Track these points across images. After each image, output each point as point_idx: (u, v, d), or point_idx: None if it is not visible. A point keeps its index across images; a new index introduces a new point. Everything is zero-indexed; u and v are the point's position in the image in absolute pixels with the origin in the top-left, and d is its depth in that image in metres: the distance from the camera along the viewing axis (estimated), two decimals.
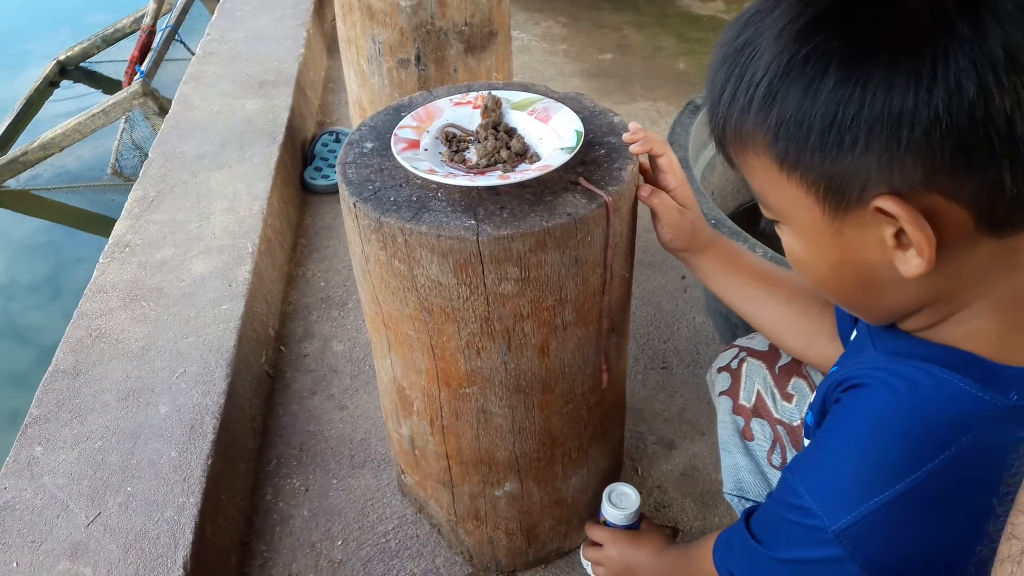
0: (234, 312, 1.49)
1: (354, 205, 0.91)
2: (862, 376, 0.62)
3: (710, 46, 2.90)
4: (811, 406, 0.74)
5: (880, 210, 0.54)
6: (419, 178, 0.93)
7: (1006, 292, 0.57)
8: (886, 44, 0.50)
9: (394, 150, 0.94)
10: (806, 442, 0.80)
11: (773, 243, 1.04)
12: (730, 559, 0.75)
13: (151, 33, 3.81)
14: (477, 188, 0.91)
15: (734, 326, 1.53)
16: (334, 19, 1.86)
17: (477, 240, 0.85)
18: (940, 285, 0.58)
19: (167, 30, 3.89)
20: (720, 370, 1.05)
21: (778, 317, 0.96)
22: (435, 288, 0.90)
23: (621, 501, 1.10)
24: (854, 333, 0.83)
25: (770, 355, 1.02)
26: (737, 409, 1.01)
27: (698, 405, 1.49)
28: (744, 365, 1.02)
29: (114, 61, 4.37)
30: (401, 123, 1.00)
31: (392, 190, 0.93)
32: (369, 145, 1.02)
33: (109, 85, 4.21)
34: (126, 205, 1.81)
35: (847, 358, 0.73)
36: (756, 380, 1.01)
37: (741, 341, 1.07)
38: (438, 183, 0.91)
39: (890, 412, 0.58)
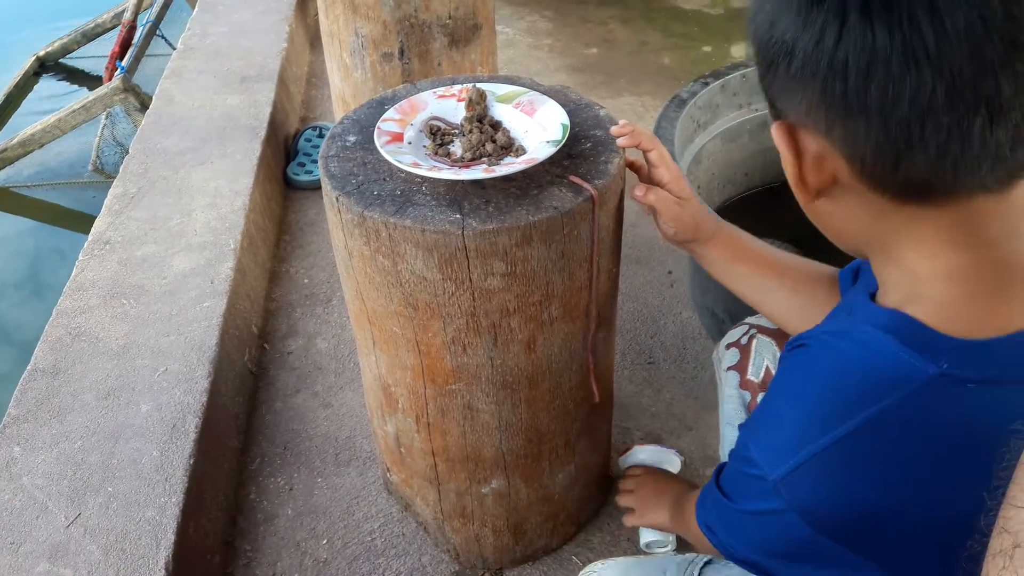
0: (216, 309, 1.47)
1: (337, 199, 0.90)
2: (806, 336, 0.64)
3: (695, 41, 2.92)
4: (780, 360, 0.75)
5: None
6: (403, 172, 0.92)
7: (962, 263, 0.57)
8: None
9: (377, 143, 0.92)
10: None
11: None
12: (706, 514, 0.78)
13: (131, 28, 3.76)
14: (462, 182, 0.90)
15: (720, 321, 1.53)
16: (317, 13, 1.84)
17: (462, 234, 0.84)
18: (862, 229, 0.61)
19: (148, 25, 3.84)
20: (729, 346, 1.06)
21: (786, 304, 0.96)
22: (420, 283, 0.89)
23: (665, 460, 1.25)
24: None
25: (780, 332, 1.02)
26: (744, 384, 1.01)
27: (685, 400, 1.49)
28: (754, 341, 1.03)
29: (94, 57, 4.31)
30: (384, 116, 0.98)
31: (376, 184, 0.91)
32: (352, 138, 1.00)
33: (89, 81, 4.16)
34: (106, 202, 1.78)
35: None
36: (766, 356, 1.01)
37: (751, 319, 1.07)
38: (422, 176, 0.90)
39: (824, 367, 0.60)
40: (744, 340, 1.04)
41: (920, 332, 0.56)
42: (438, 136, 0.98)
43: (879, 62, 0.50)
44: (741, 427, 0.70)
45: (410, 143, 0.96)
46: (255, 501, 1.33)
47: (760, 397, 1.00)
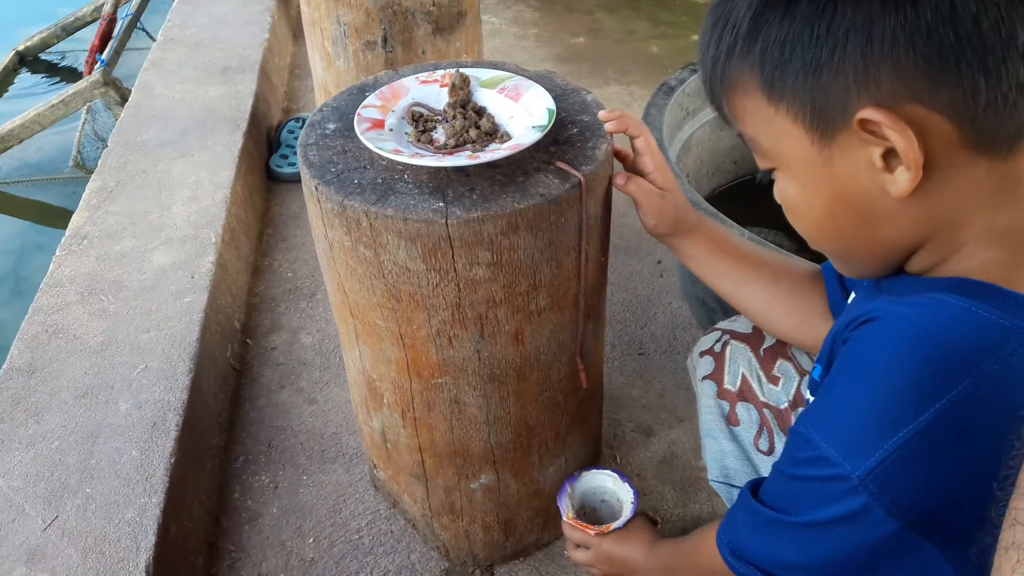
0: (197, 304, 1.44)
1: (316, 188, 0.87)
2: (873, 310, 0.58)
3: (683, 29, 2.89)
4: (818, 358, 0.71)
5: (863, 125, 0.54)
6: (384, 159, 0.89)
7: (1010, 224, 0.55)
8: None
9: (357, 130, 0.89)
10: (810, 401, 0.77)
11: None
12: (738, 538, 0.70)
13: (112, 21, 3.70)
14: (445, 169, 0.87)
15: (711, 311, 1.51)
16: (299, 3, 1.81)
17: (446, 223, 0.81)
18: (935, 213, 0.57)
19: (128, 18, 3.78)
20: (702, 354, 1.03)
21: (767, 298, 0.94)
22: (403, 274, 0.86)
23: (607, 507, 1.07)
24: (852, 296, 0.80)
25: (754, 337, 0.99)
26: (722, 393, 0.99)
27: (676, 391, 1.47)
28: (728, 348, 1.00)
29: (75, 51, 4.25)
30: (365, 102, 0.95)
31: (356, 172, 0.88)
32: (331, 126, 0.97)
33: (70, 75, 4.09)
34: (84, 196, 1.74)
35: (850, 309, 0.71)
36: (741, 363, 0.98)
37: (723, 324, 1.04)
38: (404, 164, 0.87)
39: (906, 341, 0.54)
40: (718, 348, 1.01)
41: (997, 292, 0.54)
42: (420, 123, 0.95)
43: (989, 3, 0.49)
44: (793, 427, 0.63)
45: (391, 130, 0.93)
46: (239, 500, 1.30)
47: (739, 407, 0.97)
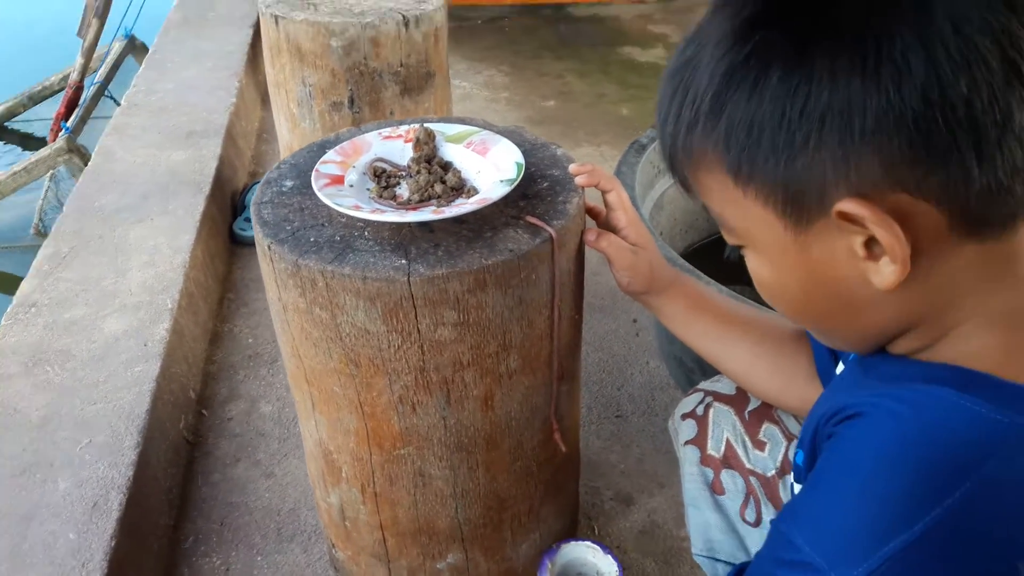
0: (148, 374, 1.36)
1: (269, 248, 0.82)
2: (858, 404, 0.54)
3: (653, 92, 2.89)
4: (800, 443, 0.66)
5: (843, 216, 0.49)
6: (343, 216, 0.84)
7: (1003, 306, 0.51)
8: (828, 30, 0.47)
9: (315, 186, 0.84)
10: (795, 487, 0.71)
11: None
12: None
13: (78, 88, 3.68)
14: (408, 224, 0.83)
15: (689, 371, 1.46)
16: None
17: (408, 281, 0.76)
18: (923, 300, 0.53)
19: (96, 85, 3.76)
20: (684, 416, 0.97)
21: (750, 358, 0.89)
22: (362, 337, 0.80)
23: None
24: (840, 366, 0.76)
25: (738, 399, 0.94)
26: (705, 460, 0.93)
27: (655, 456, 1.40)
28: (711, 411, 0.94)
29: (42, 120, 4.21)
30: (323, 158, 0.91)
31: (313, 230, 0.83)
32: (289, 183, 0.92)
33: (36, 144, 4.04)
34: (34, 263, 1.66)
35: (835, 391, 0.66)
36: (725, 427, 0.92)
37: (705, 384, 0.99)
38: (364, 220, 0.83)
39: (896, 441, 0.50)
40: (700, 410, 0.95)
41: (992, 384, 0.49)
42: (383, 179, 0.91)
43: (982, 82, 0.44)
44: (776, 522, 0.58)
45: (352, 186, 0.89)
46: None
47: (724, 474, 0.91)
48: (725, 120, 0.51)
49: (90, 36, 3.62)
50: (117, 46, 4.05)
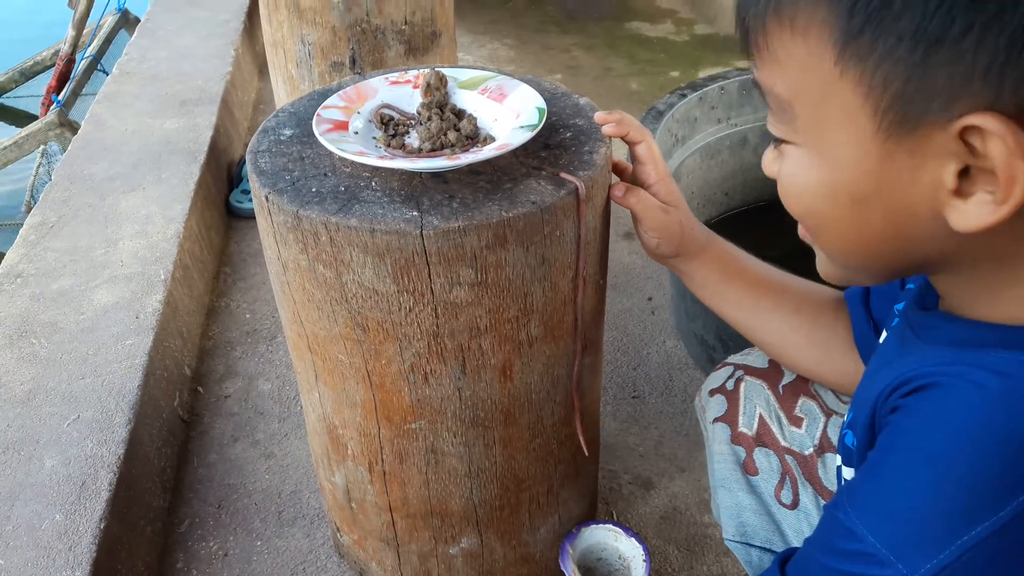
0: (140, 348, 1.28)
1: (267, 199, 0.74)
2: (932, 373, 0.47)
3: (661, 67, 2.83)
4: (851, 423, 0.59)
5: (968, 132, 0.40)
6: (348, 164, 0.76)
7: None
8: None
9: (316, 131, 0.76)
10: (844, 471, 0.64)
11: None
12: None
13: (69, 62, 3.58)
14: (420, 173, 0.75)
15: (710, 348, 1.39)
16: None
17: (421, 234, 0.68)
18: (996, 242, 0.45)
19: (89, 59, 3.66)
20: (712, 392, 0.89)
21: (786, 329, 0.81)
22: (370, 298, 0.73)
23: (605, 565, 0.92)
24: (883, 335, 0.69)
25: (771, 373, 0.87)
26: (736, 438, 0.85)
27: (675, 438, 1.33)
28: (742, 385, 0.87)
29: (33, 96, 4.12)
30: (325, 103, 0.83)
31: (315, 180, 0.75)
32: (288, 132, 0.84)
33: (28, 122, 3.95)
34: (21, 232, 1.58)
35: (888, 360, 0.58)
36: (757, 402, 0.85)
37: (735, 358, 0.91)
38: (371, 168, 0.75)
39: (982, 415, 0.44)
40: (730, 385, 0.88)
41: None
42: (391, 126, 0.83)
43: None
44: (830, 507, 0.52)
45: (357, 133, 0.80)
46: (182, 571, 1.13)
47: (757, 453, 0.84)
48: None
49: (81, 7, 3.51)
50: (110, 20, 3.95)
